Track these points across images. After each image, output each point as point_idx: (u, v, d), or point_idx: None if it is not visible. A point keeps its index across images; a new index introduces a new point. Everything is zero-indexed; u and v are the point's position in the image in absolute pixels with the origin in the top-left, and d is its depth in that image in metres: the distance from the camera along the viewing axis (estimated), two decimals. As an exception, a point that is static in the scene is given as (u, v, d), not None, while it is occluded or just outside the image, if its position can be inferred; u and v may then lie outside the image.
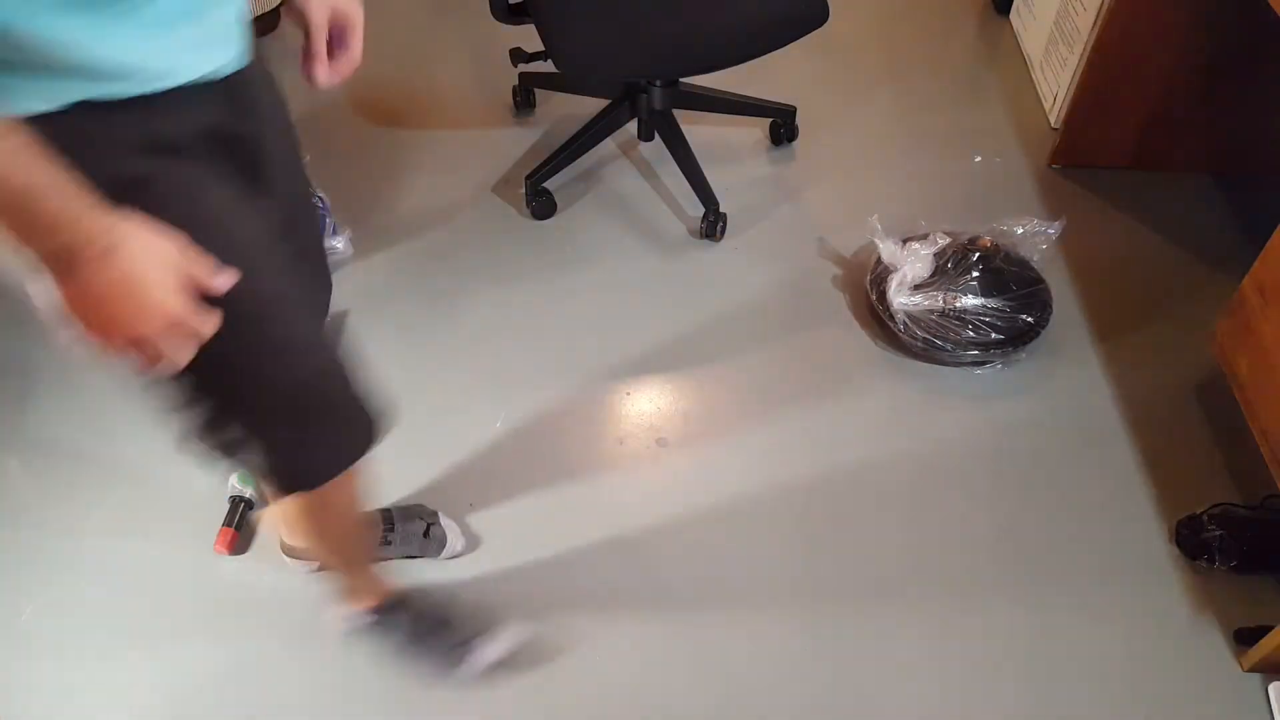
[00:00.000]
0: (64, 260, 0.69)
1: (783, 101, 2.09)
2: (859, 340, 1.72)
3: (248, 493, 1.46)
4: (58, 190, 0.67)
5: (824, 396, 1.63)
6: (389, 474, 1.53)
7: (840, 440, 1.57)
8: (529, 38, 1.92)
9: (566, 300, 1.79)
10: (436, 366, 1.69)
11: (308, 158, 1.85)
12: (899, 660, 1.31)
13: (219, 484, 1.49)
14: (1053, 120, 2.16)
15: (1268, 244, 1.28)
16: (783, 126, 2.10)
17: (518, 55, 2.15)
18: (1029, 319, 1.63)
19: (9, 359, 1.72)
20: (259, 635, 1.35)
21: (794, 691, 1.28)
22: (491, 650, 1.28)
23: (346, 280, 1.85)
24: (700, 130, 2.13)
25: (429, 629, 1.28)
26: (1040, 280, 1.70)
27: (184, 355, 0.78)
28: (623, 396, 1.63)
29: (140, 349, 0.76)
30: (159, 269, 0.73)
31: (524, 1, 1.75)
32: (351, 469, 0.99)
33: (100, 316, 0.73)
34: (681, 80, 1.97)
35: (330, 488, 0.98)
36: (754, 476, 1.52)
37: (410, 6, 2.63)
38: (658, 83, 1.90)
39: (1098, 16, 1.92)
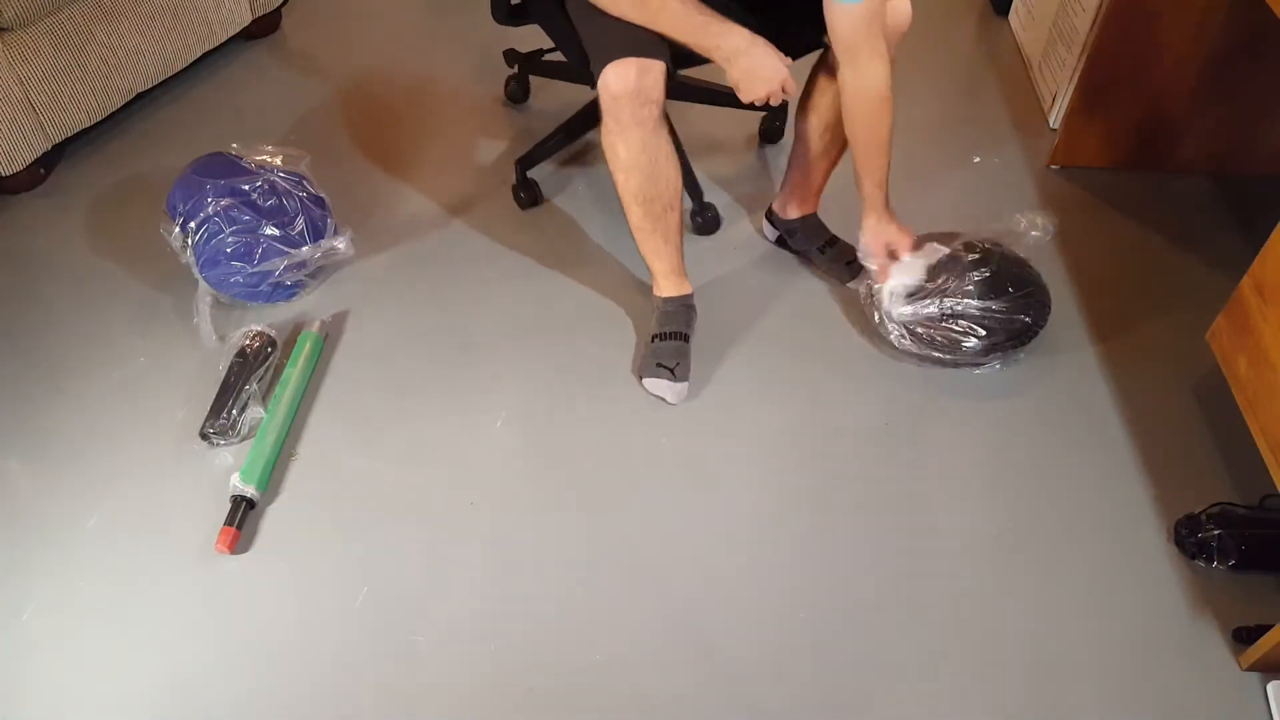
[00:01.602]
0: (727, 59, 1.44)
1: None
2: (854, 342, 1.72)
3: (249, 491, 1.46)
4: (711, 26, 1.42)
5: (821, 397, 1.63)
6: (389, 472, 1.53)
7: (838, 440, 1.57)
8: (527, 39, 1.93)
9: (566, 296, 1.80)
10: (437, 365, 1.69)
11: (309, 158, 1.87)
12: (896, 660, 1.31)
13: (220, 483, 1.49)
14: (1051, 121, 2.16)
15: (1266, 244, 1.28)
16: (776, 120, 2.11)
17: (512, 56, 2.16)
18: (1026, 319, 1.63)
19: (9, 359, 1.72)
20: (260, 635, 1.35)
21: (790, 686, 1.28)
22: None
23: (347, 280, 1.86)
24: (690, 121, 2.14)
25: (666, 354, 1.63)
26: (1037, 280, 1.70)
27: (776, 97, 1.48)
28: (621, 395, 1.64)
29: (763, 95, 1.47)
30: (758, 65, 1.44)
31: (525, 3, 1.75)
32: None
33: (746, 82, 1.46)
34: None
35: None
36: (752, 476, 1.53)
37: (411, 9, 2.64)
38: None
39: (1096, 17, 1.92)
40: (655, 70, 1.39)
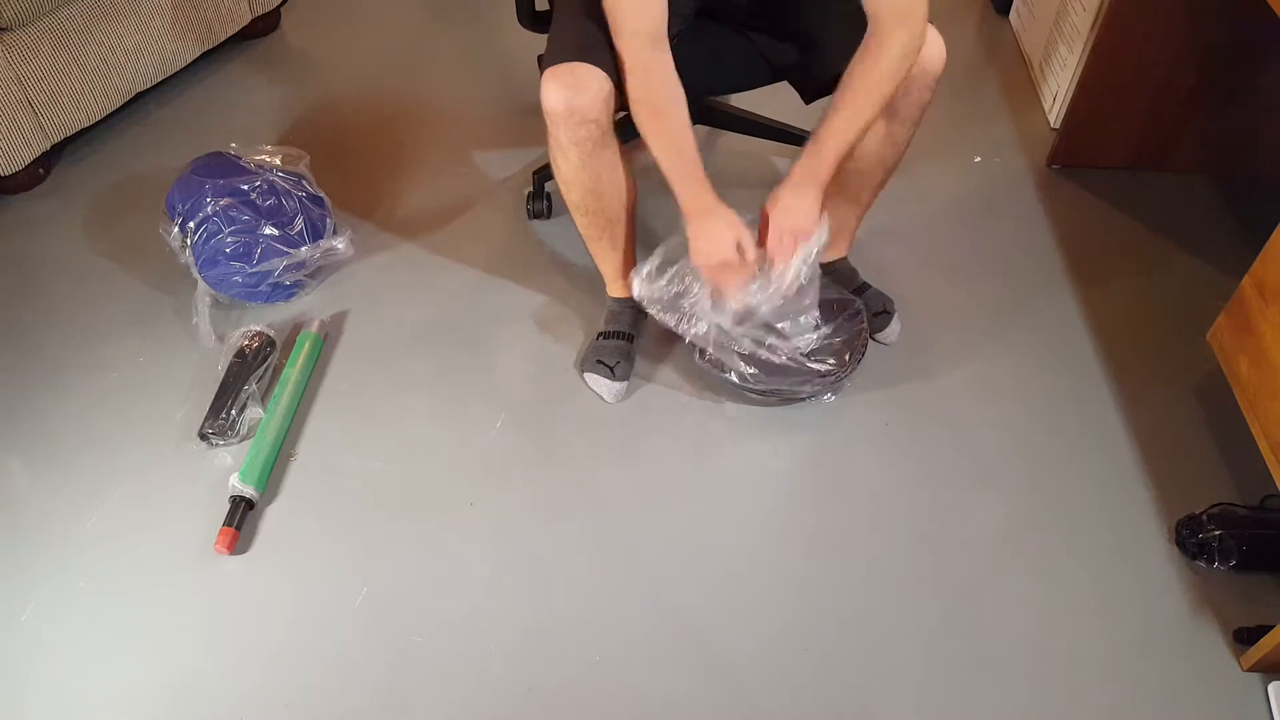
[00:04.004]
0: (685, 216, 1.40)
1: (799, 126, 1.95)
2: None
3: (248, 492, 1.46)
4: (685, 181, 1.39)
5: (819, 400, 1.63)
6: (389, 472, 1.53)
7: (839, 441, 1.57)
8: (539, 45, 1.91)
9: (567, 299, 1.79)
10: (436, 366, 1.69)
11: (308, 158, 1.87)
12: (896, 660, 1.31)
13: (219, 483, 1.49)
14: (1052, 121, 2.16)
15: (1267, 244, 1.28)
16: None
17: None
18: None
19: (9, 359, 1.72)
20: (259, 635, 1.35)
21: (790, 687, 1.28)
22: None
23: (346, 280, 1.85)
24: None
25: (607, 352, 1.63)
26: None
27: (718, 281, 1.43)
28: (609, 399, 1.63)
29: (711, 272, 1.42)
30: (703, 238, 1.40)
31: (552, 8, 1.71)
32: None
33: (692, 248, 1.42)
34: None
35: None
36: (754, 477, 1.53)
37: (411, 9, 2.64)
38: None
39: (1097, 17, 1.92)
40: (593, 87, 1.32)
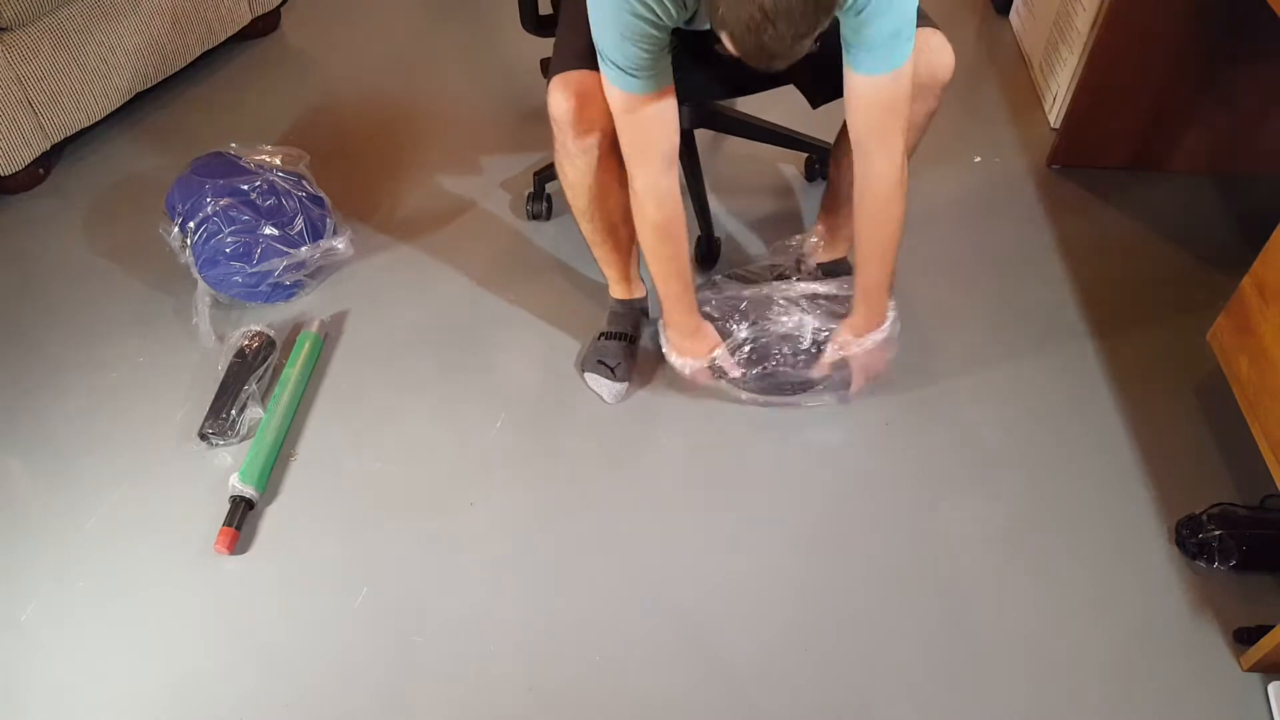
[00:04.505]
0: (666, 327, 1.52)
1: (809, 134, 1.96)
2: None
3: (248, 492, 1.46)
4: (673, 302, 1.47)
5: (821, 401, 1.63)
6: (388, 472, 1.53)
7: (839, 442, 1.57)
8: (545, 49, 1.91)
9: (567, 300, 1.80)
10: (436, 366, 1.69)
11: (308, 158, 1.87)
12: (896, 660, 1.31)
13: (219, 483, 1.49)
14: (1052, 120, 2.16)
15: (1267, 244, 1.28)
16: (818, 163, 2.01)
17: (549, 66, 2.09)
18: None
19: (9, 359, 1.72)
20: (259, 635, 1.35)
21: (790, 688, 1.28)
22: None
23: (346, 280, 1.85)
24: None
25: (608, 353, 1.64)
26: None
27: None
28: (609, 399, 1.64)
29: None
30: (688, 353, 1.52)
31: (556, 12, 1.69)
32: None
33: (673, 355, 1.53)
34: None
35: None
36: (754, 477, 1.53)
37: (412, 9, 2.64)
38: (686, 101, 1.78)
39: (1097, 17, 1.92)
40: (600, 95, 1.30)
